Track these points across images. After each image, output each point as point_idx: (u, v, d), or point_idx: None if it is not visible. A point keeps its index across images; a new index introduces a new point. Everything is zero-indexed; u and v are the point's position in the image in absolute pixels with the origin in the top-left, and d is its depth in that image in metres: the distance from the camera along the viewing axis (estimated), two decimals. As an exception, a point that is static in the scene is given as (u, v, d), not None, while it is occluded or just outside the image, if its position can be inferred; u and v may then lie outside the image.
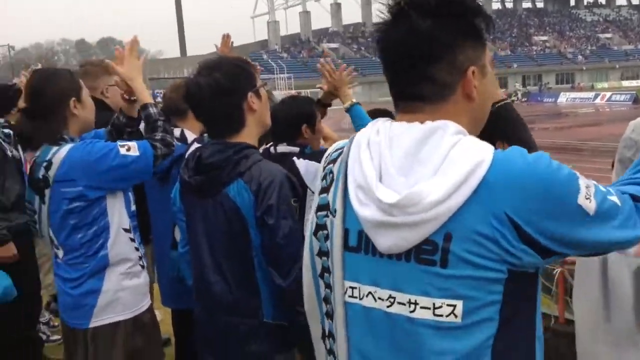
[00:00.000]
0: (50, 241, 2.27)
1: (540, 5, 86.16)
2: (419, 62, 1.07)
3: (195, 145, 2.61)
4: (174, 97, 2.96)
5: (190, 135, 2.86)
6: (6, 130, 3.50)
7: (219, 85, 1.83)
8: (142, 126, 2.45)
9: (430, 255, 1.00)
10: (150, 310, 2.40)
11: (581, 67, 66.95)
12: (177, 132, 2.85)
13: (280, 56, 64.03)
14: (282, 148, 2.56)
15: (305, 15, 72.39)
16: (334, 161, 1.19)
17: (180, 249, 2.16)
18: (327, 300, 1.18)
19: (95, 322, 2.21)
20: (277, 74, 48.23)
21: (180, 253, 2.17)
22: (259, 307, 1.84)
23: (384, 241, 1.04)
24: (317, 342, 1.26)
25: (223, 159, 1.83)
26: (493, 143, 1.04)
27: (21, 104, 3.42)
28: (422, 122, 1.06)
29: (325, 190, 1.18)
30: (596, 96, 41.88)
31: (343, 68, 2.71)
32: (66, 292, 2.24)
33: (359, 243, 1.09)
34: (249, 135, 1.91)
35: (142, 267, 2.34)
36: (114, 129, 2.54)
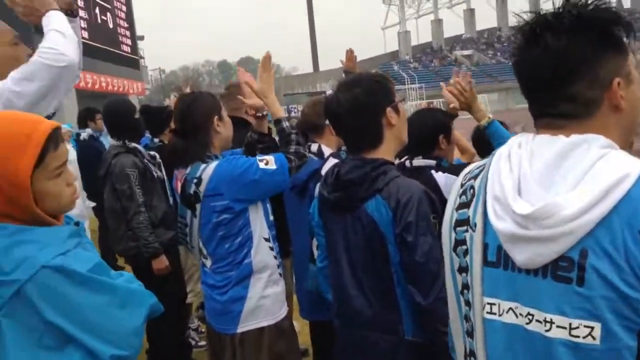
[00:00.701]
0: (199, 252, 2.44)
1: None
2: (557, 83, 1.05)
3: (332, 160, 2.66)
4: (310, 113, 3.05)
5: (327, 150, 2.91)
6: (152, 153, 3.81)
7: (358, 101, 1.86)
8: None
9: (566, 272, 0.96)
10: (288, 317, 2.52)
11: None
12: (314, 147, 2.92)
13: (411, 66, 63.63)
14: (418, 161, 2.52)
15: (437, 23, 71.31)
16: (475, 177, 1.17)
17: (319, 263, 2.20)
18: (467, 318, 1.16)
19: (242, 328, 2.34)
20: (408, 84, 47.92)
21: (318, 267, 2.21)
22: (399, 323, 1.82)
23: (521, 256, 1.01)
24: None
25: (361, 175, 1.84)
26: None
27: (172, 125, 3.72)
28: (567, 136, 1.03)
29: (465, 205, 1.17)
30: None
31: (464, 75, 2.60)
32: (214, 298, 2.39)
33: (498, 258, 1.07)
34: (386, 151, 1.91)
35: (280, 275, 2.46)
36: (247, 147, 2.67)
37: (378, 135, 1.89)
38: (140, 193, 3.52)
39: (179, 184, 2.44)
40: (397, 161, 2.48)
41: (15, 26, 2.14)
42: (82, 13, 17.16)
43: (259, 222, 2.36)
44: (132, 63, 23.06)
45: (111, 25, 20.88)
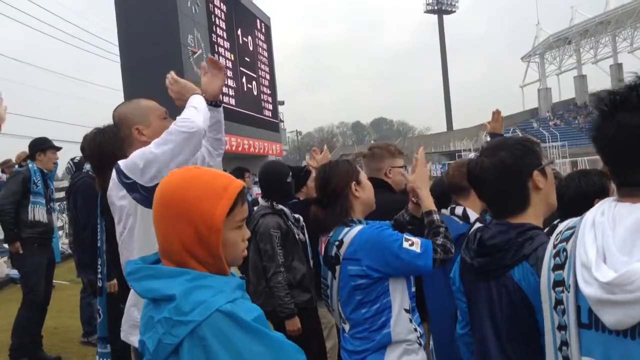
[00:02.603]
0: (338, 315, 2.45)
1: None
2: (633, 156, 1.14)
3: (478, 225, 2.58)
4: (456, 175, 3.02)
5: (472, 214, 2.84)
6: (297, 215, 3.95)
7: (504, 164, 1.82)
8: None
9: None
10: None
11: None
12: (458, 210, 2.87)
13: (552, 124, 60.73)
14: (569, 226, 2.36)
15: (581, 79, 67.87)
16: (566, 239, 1.25)
17: (460, 330, 2.12)
18: None
19: None
20: (549, 142, 45.66)
21: (460, 334, 2.12)
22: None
23: (609, 318, 1.08)
24: None
25: (506, 241, 1.78)
26: None
27: (308, 184, 3.83)
28: None
29: (560, 267, 1.25)
30: None
31: None
32: None
33: (590, 320, 1.14)
34: (534, 215, 1.84)
35: (420, 344, 2.37)
36: (396, 224, 2.68)
37: (525, 199, 1.83)
38: (282, 254, 3.66)
39: (323, 246, 2.51)
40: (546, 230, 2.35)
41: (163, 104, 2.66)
42: (230, 82, 18.76)
43: (399, 292, 2.32)
44: (272, 127, 24.46)
45: (255, 92, 22.45)
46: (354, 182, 2.45)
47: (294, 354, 1.37)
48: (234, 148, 18.33)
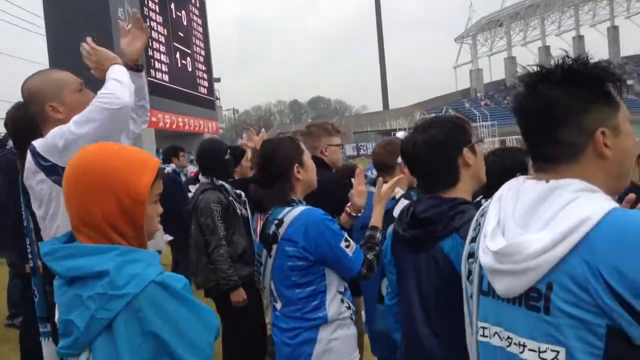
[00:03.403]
0: (270, 293, 2.44)
1: None
2: (547, 127, 1.18)
3: (403, 201, 2.65)
4: (382, 153, 3.08)
5: (398, 191, 2.90)
6: (238, 191, 3.95)
7: (436, 141, 1.88)
8: None
9: (535, 302, 1.09)
10: None
11: None
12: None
13: (483, 104, 62.70)
14: (494, 201, 2.46)
15: (510, 60, 70.26)
16: (484, 214, 1.31)
17: (388, 302, 2.17)
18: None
19: None
20: (480, 121, 47.17)
21: (388, 306, 2.18)
22: (471, 364, 1.76)
23: (499, 286, 1.16)
24: None
25: (438, 214, 1.84)
26: None
27: (254, 174, 3.82)
28: (548, 181, 1.14)
29: (474, 239, 1.33)
30: None
31: None
32: (283, 342, 2.34)
33: (488, 287, 1.22)
34: (463, 190, 1.91)
35: (352, 319, 2.39)
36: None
37: (454, 175, 1.90)
38: (222, 227, 3.68)
39: (260, 223, 2.47)
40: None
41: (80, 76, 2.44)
42: (163, 58, 18.20)
43: (335, 276, 2.32)
44: (208, 104, 24.02)
45: (190, 69, 21.92)
46: (297, 165, 2.40)
47: (212, 318, 1.41)
48: (167, 125, 17.91)
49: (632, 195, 1.48)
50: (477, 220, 1.36)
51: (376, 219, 2.46)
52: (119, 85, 2.21)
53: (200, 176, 4.17)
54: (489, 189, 2.45)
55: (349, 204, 2.65)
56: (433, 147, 1.88)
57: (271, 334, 2.53)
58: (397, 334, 2.09)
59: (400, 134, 3.46)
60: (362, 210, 2.62)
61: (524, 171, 2.50)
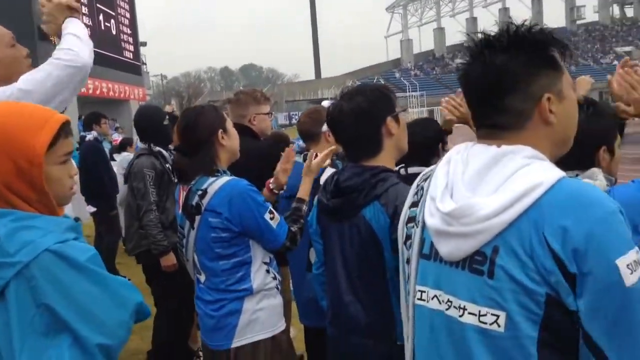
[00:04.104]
0: (193, 265, 2.39)
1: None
2: (494, 95, 1.16)
3: (329, 169, 2.67)
4: (307, 121, 3.07)
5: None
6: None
7: (360, 109, 1.89)
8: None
9: (480, 265, 1.09)
10: (286, 331, 2.44)
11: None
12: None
13: (413, 74, 63.74)
14: (414, 169, 2.53)
15: (439, 32, 71.64)
16: (427, 179, 1.30)
17: (315, 270, 2.20)
18: (408, 305, 1.31)
19: (237, 342, 2.26)
20: (409, 91, 48.00)
21: (314, 274, 2.20)
22: (393, 330, 1.81)
23: (444, 249, 1.15)
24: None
25: (360, 182, 1.86)
26: None
27: (175, 141, 3.74)
28: (499, 146, 1.14)
29: (415, 204, 1.32)
30: None
31: (458, 93, 2.60)
32: (207, 314, 2.31)
33: (430, 251, 1.21)
34: (386, 159, 1.93)
35: (278, 289, 2.39)
36: None
37: (377, 144, 1.92)
38: (154, 193, 3.65)
39: (182, 194, 2.41)
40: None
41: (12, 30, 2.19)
42: (85, 20, 17.25)
43: (260, 247, 2.30)
44: (133, 69, 23.10)
45: (114, 32, 20.95)
46: (220, 130, 2.34)
47: (131, 294, 1.36)
48: (90, 91, 17.11)
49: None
50: (418, 184, 1.35)
51: (304, 191, 2.46)
52: (79, 41, 2.05)
53: (138, 142, 4.15)
54: (409, 159, 2.54)
55: (271, 180, 2.64)
56: (358, 114, 1.89)
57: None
58: (324, 301, 2.12)
59: (326, 103, 3.45)
60: (285, 188, 2.64)
61: (444, 142, 2.58)
